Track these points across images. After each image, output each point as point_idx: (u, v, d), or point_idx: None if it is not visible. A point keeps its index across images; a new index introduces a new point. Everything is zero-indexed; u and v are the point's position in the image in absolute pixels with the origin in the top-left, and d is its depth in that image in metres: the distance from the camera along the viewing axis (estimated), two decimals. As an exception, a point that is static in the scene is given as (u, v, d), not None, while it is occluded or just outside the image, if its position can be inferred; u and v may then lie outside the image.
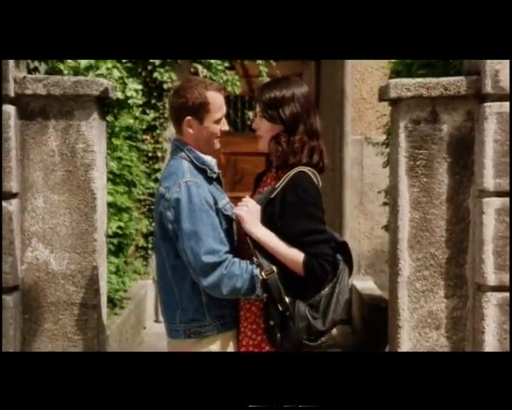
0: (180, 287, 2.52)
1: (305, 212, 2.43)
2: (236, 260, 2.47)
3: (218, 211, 2.52)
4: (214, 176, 2.60)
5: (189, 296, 2.51)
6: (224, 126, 2.62)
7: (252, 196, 2.61)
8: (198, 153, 2.58)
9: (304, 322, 2.42)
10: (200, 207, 2.44)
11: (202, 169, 2.56)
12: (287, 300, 2.42)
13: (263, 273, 2.43)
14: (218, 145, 2.64)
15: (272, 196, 2.48)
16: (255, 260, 2.45)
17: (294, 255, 2.43)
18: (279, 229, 2.45)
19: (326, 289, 2.48)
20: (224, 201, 2.58)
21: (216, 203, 2.52)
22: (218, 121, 2.59)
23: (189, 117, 2.55)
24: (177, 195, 2.46)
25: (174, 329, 2.56)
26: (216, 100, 2.56)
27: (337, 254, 2.54)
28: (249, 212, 2.47)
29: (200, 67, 6.29)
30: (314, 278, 2.44)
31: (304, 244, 2.42)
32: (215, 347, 2.52)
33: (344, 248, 2.59)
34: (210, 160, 2.61)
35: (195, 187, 2.46)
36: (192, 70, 6.31)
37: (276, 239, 2.45)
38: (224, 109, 2.61)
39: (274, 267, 2.43)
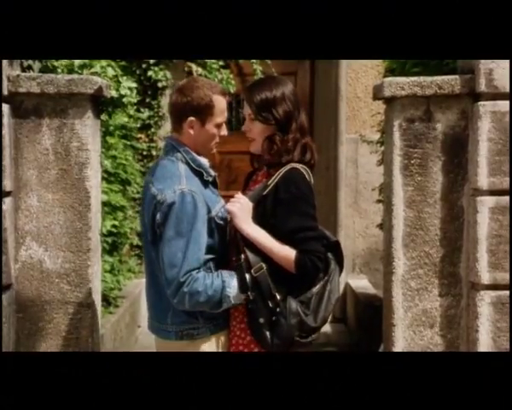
0: None
1: (298, 209, 2.43)
2: (200, 275, 2.40)
3: (211, 220, 2.48)
4: (210, 179, 2.56)
5: None
6: (224, 131, 2.58)
7: (242, 194, 2.60)
8: (195, 155, 2.53)
9: (296, 318, 2.41)
10: (188, 220, 2.39)
11: (198, 172, 2.52)
12: (277, 296, 2.41)
13: (252, 271, 2.41)
14: (214, 149, 2.61)
15: (264, 192, 2.47)
16: (243, 256, 2.43)
17: (286, 252, 2.42)
18: (271, 226, 2.45)
19: (317, 286, 2.47)
20: (218, 206, 2.53)
21: (209, 212, 2.47)
22: (219, 126, 2.54)
23: (192, 118, 2.50)
24: (170, 200, 2.40)
25: (165, 330, 2.53)
26: (220, 104, 2.52)
27: (328, 253, 2.54)
28: (241, 208, 2.46)
29: (194, 66, 6.28)
30: (305, 275, 2.43)
31: (296, 241, 2.42)
32: (207, 347, 2.50)
33: (336, 248, 2.58)
34: (206, 162, 2.57)
35: (190, 196, 2.40)
36: (186, 69, 6.31)
37: (267, 236, 2.44)
38: (225, 114, 2.56)
39: (263, 264, 2.42)
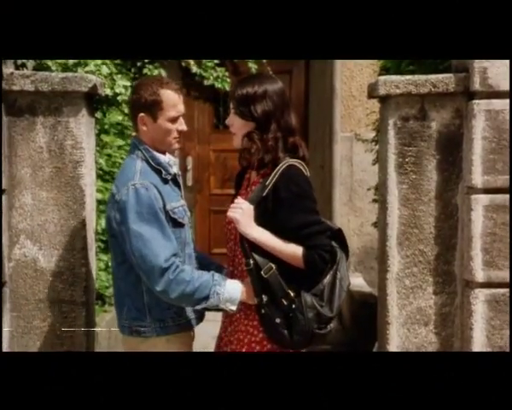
0: (125, 285, 2.55)
1: (300, 205, 2.44)
2: (187, 267, 2.46)
3: (166, 213, 2.50)
4: (169, 177, 2.59)
5: (132, 296, 2.54)
6: (182, 126, 2.60)
7: (237, 196, 2.59)
8: (154, 153, 2.57)
9: (313, 311, 2.44)
10: (148, 211, 2.43)
11: (157, 169, 2.55)
12: (291, 293, 2.43)
13: (262, 273, 2.42)
14: (176, 145, 2.63)
15: (264, 194, 2.46)
16: (252, 261, 2.44)
17: (293, 250, 2.44)
18: (274, 226, 2.45)
19: (327, 277, 2.49)
20: (174, 203, 2.56)
21: (164, 206, 2.50)
22: (173, 120, 2.57)
23: (142, 114, 2.55)
24: (124, 197, 2.45)
25: (122, 324, 2.61)
26: (170, 98, 2.55)
27: (332, 241, 2.55)
28: (243, 213, 2.46)
29: (192, 62, 6.28)
30: (315, 270, 2.45)
31: (302, 237, 2.43)
32: (151, 347, 2.53)
33: (339, 236, 2.59)
34: (167, 160, 2.61)
35: (143, 189, 2.45)
36: (184, 64, 6.31)
37: (272, 237, 2.45)
38: (180, 109, 2.59)
39: (272, 264, 2.43)
